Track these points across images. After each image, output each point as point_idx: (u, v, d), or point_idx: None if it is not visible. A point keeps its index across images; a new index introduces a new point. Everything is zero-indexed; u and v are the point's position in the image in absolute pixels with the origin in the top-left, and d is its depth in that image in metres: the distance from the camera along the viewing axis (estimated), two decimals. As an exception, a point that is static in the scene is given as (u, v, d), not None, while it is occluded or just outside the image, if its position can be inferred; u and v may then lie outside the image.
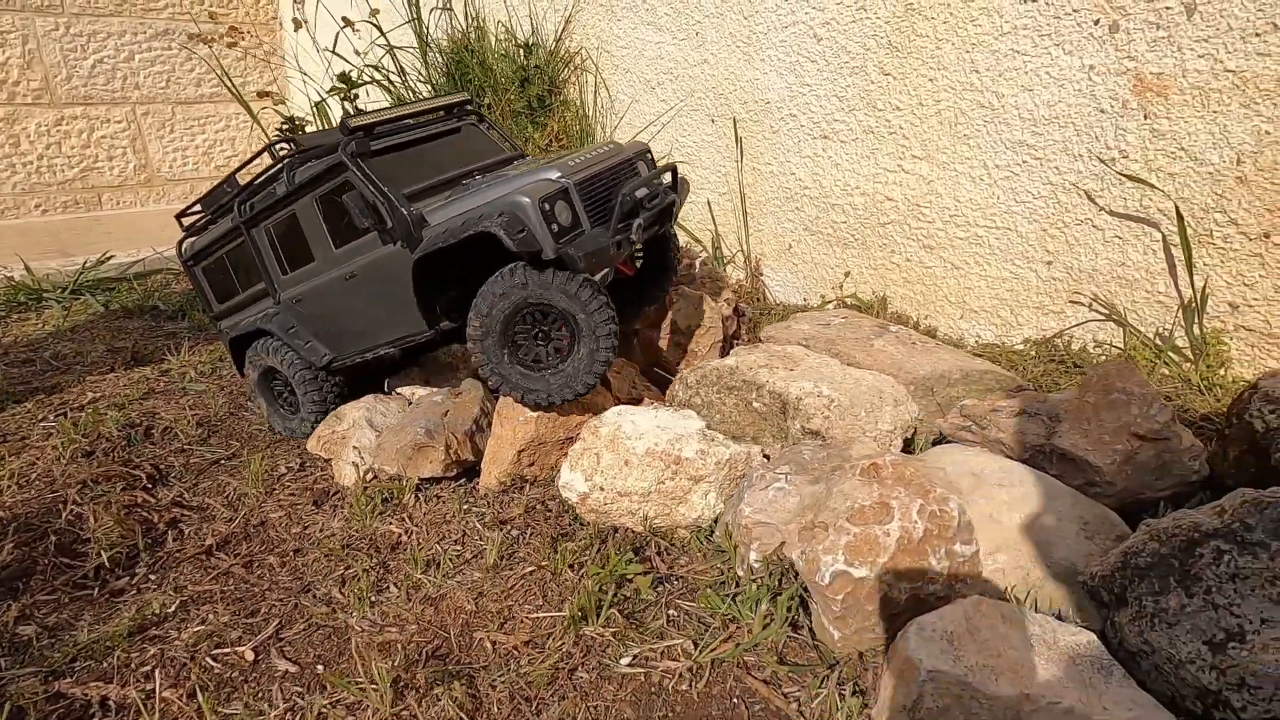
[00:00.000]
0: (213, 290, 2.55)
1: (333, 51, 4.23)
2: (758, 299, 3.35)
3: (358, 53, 4.19)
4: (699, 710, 1.27)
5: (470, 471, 2.03)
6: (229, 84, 4.40)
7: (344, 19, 3.59)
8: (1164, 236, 2.16)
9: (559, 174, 1.83)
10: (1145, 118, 2.13)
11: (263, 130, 4.61)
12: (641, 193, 1.88)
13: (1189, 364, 2.18)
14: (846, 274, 3.01)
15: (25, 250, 4.52)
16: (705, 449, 1.64)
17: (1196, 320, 2.12)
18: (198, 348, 3.13)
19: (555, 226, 1.72)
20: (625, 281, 2.37)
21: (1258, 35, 1.90)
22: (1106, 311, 2.33)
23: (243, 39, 4.63)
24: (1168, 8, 2.02)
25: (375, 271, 2.04)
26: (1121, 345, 2.30)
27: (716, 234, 3.47)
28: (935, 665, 1.06)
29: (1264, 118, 1.94)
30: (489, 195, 1.83)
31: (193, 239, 2.50)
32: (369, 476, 2.00)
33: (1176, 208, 2.09)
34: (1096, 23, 2.15)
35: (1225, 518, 1.11)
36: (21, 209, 5.52)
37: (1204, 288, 2.10)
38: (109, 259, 4.24)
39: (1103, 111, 2.20)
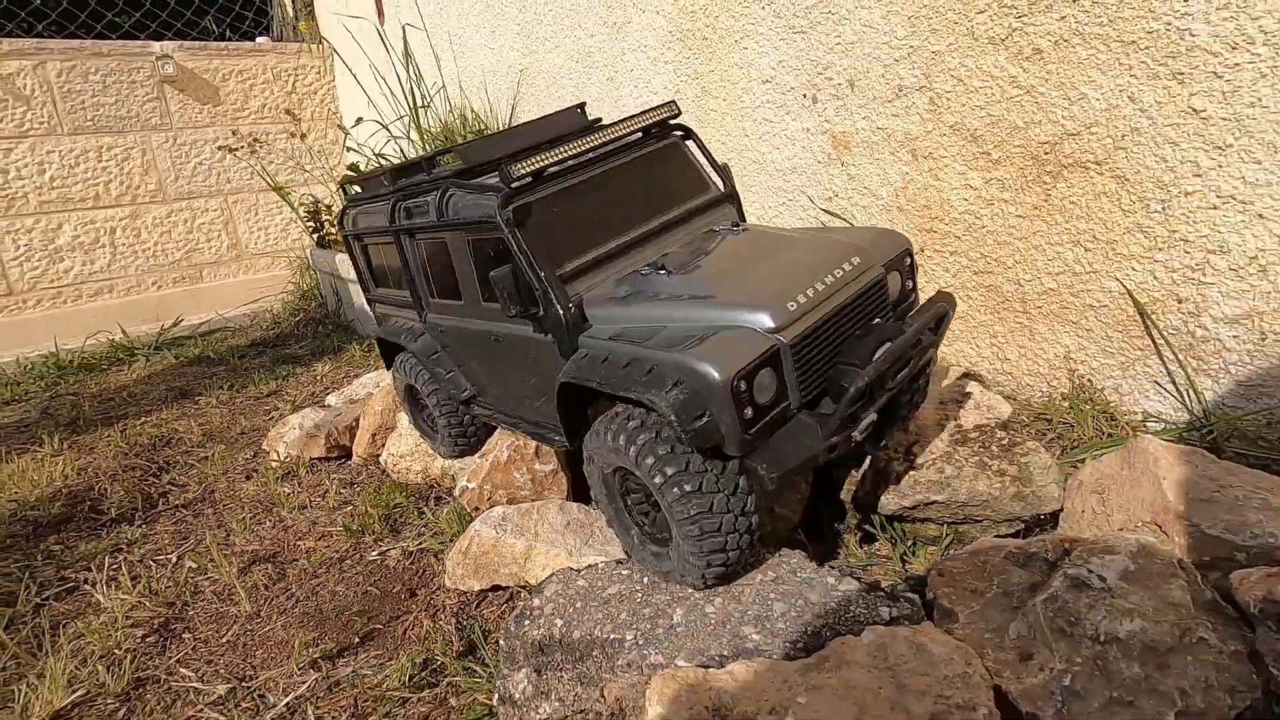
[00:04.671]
0: (369, 270, 2.42)
1: (343, 147, 5.45)
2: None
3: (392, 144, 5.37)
4: (398, 575, 2.09)
5: (351, 454, 2.95)
6: (265, 177, 5.69)
7: (338, 125, 4.74)
8: (868, 255, 2.80)
9: (772, 320, 1.36)
10: (842, 165, 2.81)
11: (295, 211, 5.77)
12: (886, 365, 1.37)
13: (897, 354, 2.79)
14: (701, 299, 3.75)
15: (149, 319, 5.99)
16: (460, 424, 2.47)
17: (890, 319, 2.74)
18: (225, 385, 4.25)
19: (749, 411, 1.29)
20: None
21: (889, 101, 2.57)
22: (848, 317, 2.97)
23: (261, 146, 5.95)
24: (840, 83, 2.72)
25: (522, 351, 1.75)
26: (857, 343, 2.93)
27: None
28: (480, 528, 1.85)
29: (903, 162, 2.58)
30: (669, 318, 1.44)
31: (355, 211, 2.33)
32: (286, 458, 2.95)
33: (861, 233, 2.75)
34: (805, 96, 2.86)
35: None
36: (142, 286, 6.99)
37: (885, 294, 2.72)
38: (181, 321, 5.55)
39: (819, 162, 2.89)
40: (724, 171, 2.09)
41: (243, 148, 5.60)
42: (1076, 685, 1.12)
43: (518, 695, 1.36)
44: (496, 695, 1.41)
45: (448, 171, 1.89)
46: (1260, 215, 1.81)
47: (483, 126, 5.00)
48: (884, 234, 1.79)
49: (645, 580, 1.53)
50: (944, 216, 2.51)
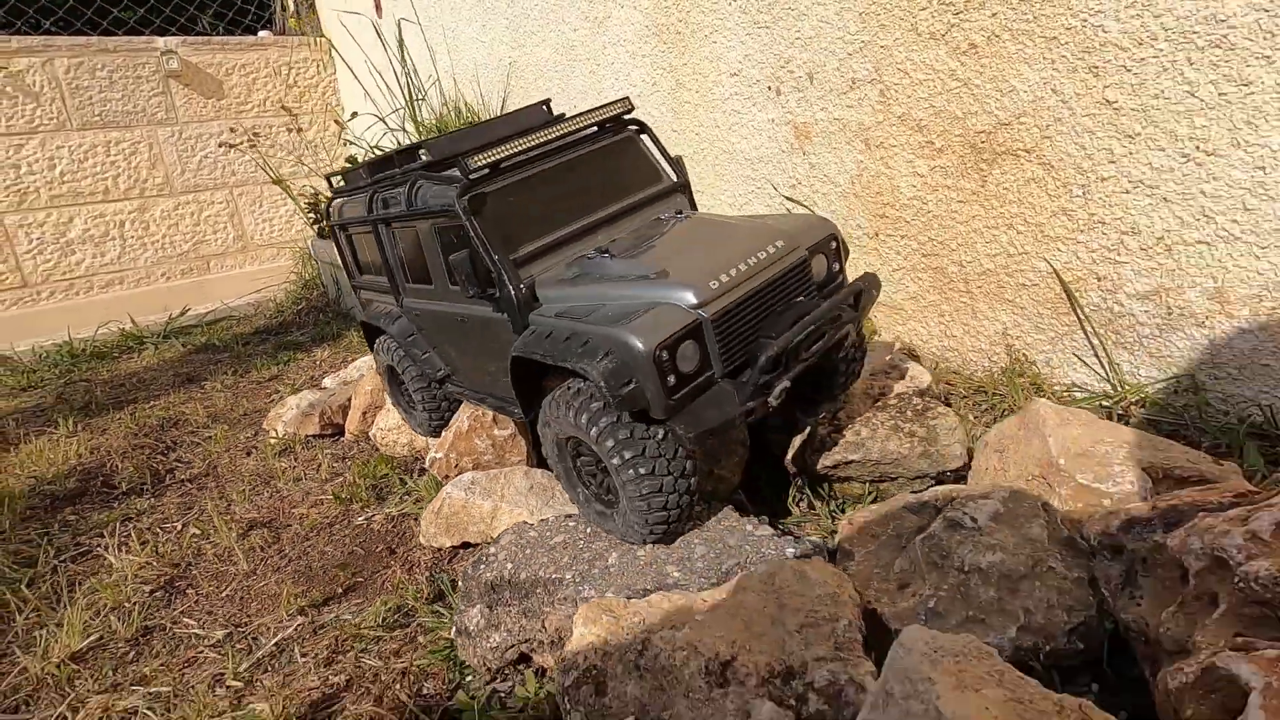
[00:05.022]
0: (353, 257, 2.59)
1: (341, 140, 5.65)
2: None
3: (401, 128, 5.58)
4: (381, 537, 2.31)
5: (343, 431, 3.16)
6: (267, 170, 5.91)
7: (335, 120, 4.95)
8: (829, 240, 2.98)
9: (695, 297, 1.52)
10: (804, 154, 2.98)
11: (296, 203, 5.99)
12: (801, 336, 1.56)
13: (856, 334, 2.97)
14: (681, 284, 3.93)
15: (158, 309, 6.22)
16: (441, 401, 2.68)
17: (848, 300, 2.92)
18: (229, 371, 4.49)
19: (673, 379, 1.45)
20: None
21: (844, 93, 2.74)
22: (813, 299, 3.15)
23: (260, 142, 6.17)
24: (801, 76, 2.89)
25: (484, 330, 1.92)
26: (821, 323, 3.11)
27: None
28: (451, 491, 2.05)
29: (858, 151, 2.76)
30: (608, 296, 1.60)
31: (340, 202, 2.49)
32: (284, 436, 3.17)
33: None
34: (769, 89, 3.04)
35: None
36: (151, 278, 7.20)
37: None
38: (188, 311, 5.79)
39: (783, 151, 3.06)
40: (677, 163, 2.26)
41: (242, 143, 5.82)
42: (939, 608, 1.31)
43: (472, 628, 1.57)
44: (454, 628, 1.62)
45: (418, 164, 2.07)
46: (1165, 199, 1.98)
47: (475, 118, 5.19)
48: (815, 221, 1.96)
49: (588, 530, 1.73)
50: (894, 202, 2.68)
